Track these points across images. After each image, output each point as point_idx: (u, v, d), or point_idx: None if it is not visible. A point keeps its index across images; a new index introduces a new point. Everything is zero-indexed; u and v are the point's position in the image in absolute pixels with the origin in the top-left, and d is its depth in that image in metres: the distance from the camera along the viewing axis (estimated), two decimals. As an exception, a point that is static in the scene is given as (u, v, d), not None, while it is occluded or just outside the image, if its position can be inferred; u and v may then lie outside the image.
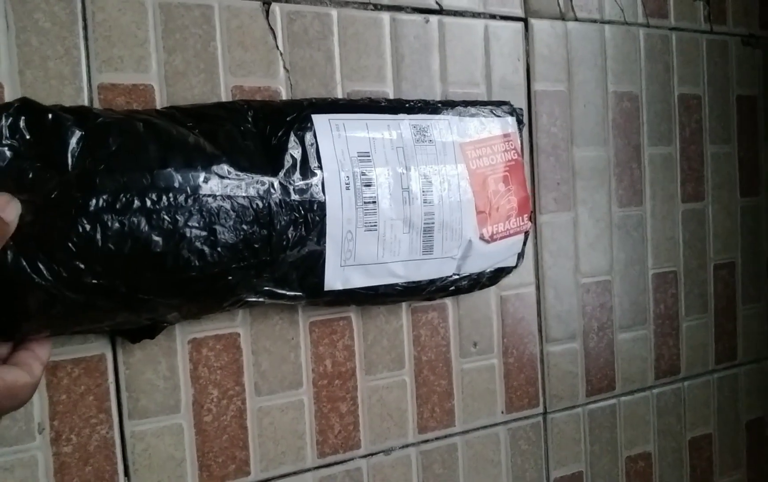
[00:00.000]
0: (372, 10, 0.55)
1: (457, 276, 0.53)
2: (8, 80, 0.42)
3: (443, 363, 0.58)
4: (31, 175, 0.35)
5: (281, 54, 0.51)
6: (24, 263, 0.34)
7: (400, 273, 0.49)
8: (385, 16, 0.55)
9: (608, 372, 0.69)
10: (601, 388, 0.68)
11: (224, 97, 0.48)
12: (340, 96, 0.53)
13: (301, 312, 0.51)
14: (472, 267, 0.54)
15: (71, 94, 0.43)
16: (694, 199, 0.74)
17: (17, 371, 0.35)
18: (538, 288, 0.64)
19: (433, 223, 0.50)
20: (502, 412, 0.62)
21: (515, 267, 0.58)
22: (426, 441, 0.57)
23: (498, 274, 0.57)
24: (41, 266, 0.34)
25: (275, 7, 0.50)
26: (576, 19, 0.66)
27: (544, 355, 0.64)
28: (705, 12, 0.75)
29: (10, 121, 0.35)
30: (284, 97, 0.51)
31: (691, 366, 0.75)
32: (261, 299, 0.45)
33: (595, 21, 0.67)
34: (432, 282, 0.52)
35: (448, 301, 0.58)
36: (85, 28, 0.44)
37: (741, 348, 0.79)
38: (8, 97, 0.42)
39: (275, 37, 0.50)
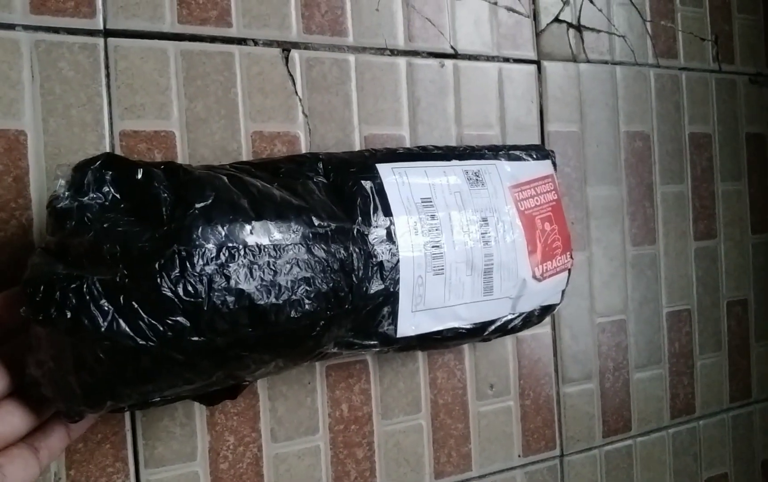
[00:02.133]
0: (389, 55, 0.55)
1: (512, 316, 0.53)
2: (32, 128, 0.42)
3: (460, 406, 0.57)
4: (120, 229, 0.34)
5: (300, 99, 0.51)
6: (125, 325, 0.32)
7: (464, 315, 0.50)
8: (402, 62, 0.56)
9: (624, 413, 0.68)
10: (618, 429, 0.67)
11: (244, 143, 0.49)
12: (357, 140, 0.53)
13: (318, 357, 0.51)
14: (525, 306, 0.54)
15: (93, 141, 0.44)
16: (706, 236, 0.74)
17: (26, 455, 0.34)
18: (554, 328, 0.63)
19: (492, 264, 0.50)
20: (519, 455, 0.61)
21: (559, 303, 0.58)
22: (443, 487, 0.57)
23: (545, 311, 0.57)
24: (143, 325, 0.32)
25: (294, 54, 0.51)
26: (588, 61, 0.66)
27: (561, 396, 0.64)
28: (713, 52, 0.76)
29: (95, 175, 0.34)
30: (303, 142, 0.51)
31: (706, 404, 0.74)
32: (339, 350, 0.45)
33: (606, 62, 0.68)
34: (492, 322, 0.52)
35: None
36: (108, 76, 0.45)
37: (755, 385, 0.78)
38: (31, 145, 0.42)
39: (294, 83, 0.51)
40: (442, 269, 0.47)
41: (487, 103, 0.60)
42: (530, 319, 0.56)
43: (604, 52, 0.68)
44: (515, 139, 0.61)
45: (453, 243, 0.48)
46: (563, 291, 0.58)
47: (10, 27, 0.42)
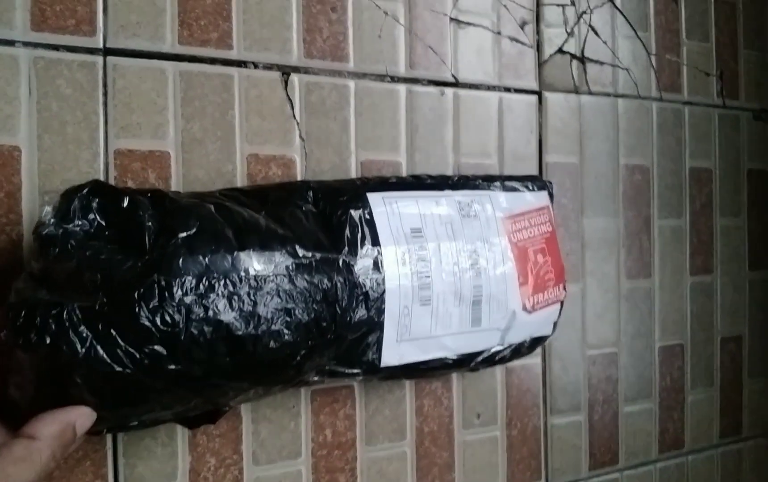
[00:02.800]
0: (389, 82, 0.55)
1: (500, 347, 0.53)
2: (26, 144, 0.42)
3: (445, 435, 0.57)
4: (104, 256, 0.34)
5: (298, 123, 0.51)
6: (102, 352, 0.33)
7: (451, 346, 0.50)
8: (402, 88, 0.56)
9: (612, 446, 0.68)
10: (605, 462, 0.67)
11: (239, 165, 0.49)
12: (353, 165, 0.53)
13: (304, 381, 0.51)
14: (514, 337, 0.54)
15: (87, 159, 0.44)
16: (702, 271, 0.74)
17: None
18: (544, 359, 0.63)
19: (481, 296, 0.50)
20: (503, 486, 0.61)
21: (551, 335, 0.58)
22: (425, 515, 0.57)
23: (536, 343, 0.57)
24: (120, 353, 0.33)
25: (294, 78, 0.51)
26: (590, 93, 0.66)
27: (548, 427, 0.64)
28: (718, 87, 0.76)
29: (82, 202, 0.35)
30: (298, 166, 0.51)
31: (695, 440, 0.74)
32: (321, 378, 0.45)
33: (608, 94, 0.67)
34: (479, 353, 0.52)
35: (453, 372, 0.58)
36: (105, 94, 0.45)
37: (746, 422, 0.78)
38: (26, 161, 0.42)
39: (293, 107, 0.51)
40: (429, 300, 0.47)
41: (486, 132, 0.60)
42: (519, 350, 0.56)
43: (606, 84, 0.67)
44: (513, 169, 0.61)
45: (442, 274, 0.48)
46: (555, 323, 0.58)
47: (10, 43, 0.42)
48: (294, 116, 0.51)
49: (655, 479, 0.71)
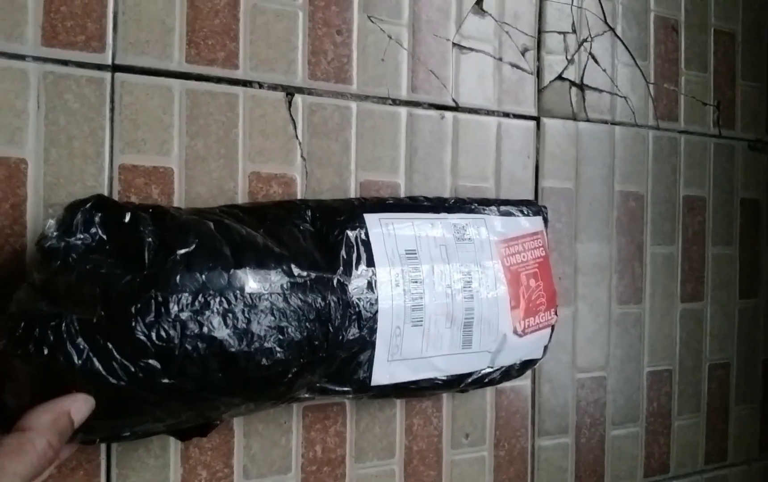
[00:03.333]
0: (390, 104, 0.56)
1: (490, 369, 0.54)
2: (33, 157, 0.43)
3: (434, 454, 0.58)
4: (104, 270, 0.35)
5: (300, 143, 0.52)
6: (98, 364, 0.33)
7: (441, 367, 0.51)
8: (403, 111, 0.57)
9: (597, 469, 0.69)
10: (590, 484, 0.68)
11: (241, 182, 0.49)
12: (353, 185, 0.54)
13: (297, 397, 0.52)
14: (504, 360, 0.55)
15: (93, 173, 0.45)
16: (693, 298, 0.75)
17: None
18: (533, 381, 0.64)
19: (473, 318, 0.51)
20: (489, 505, 0.62)
21: (541, 358, 0.59)
22: (411, 532, 0.58)
23: (526, 365, 0.58)
24: (115, 365, 0.34)
25: (298, 99, 0.52)
26: (587, 120, 0.67)
27: (535, 449, 0.65)
28: (715, 116, 0.77)
29: (85, 216, 0.36)
30: (299, 185, 0.52)
31: (680, 465, 0.75)
32: (312, 395, 0.46)
33: (606, 122, 0.69)
34: (469, 375, 0.53)
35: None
36: (113, 110, 0.46)
37: (732, 448, 0.79)
38: (32, 173, 0.43)
39: (295, 127, 0.52)
40: (421, 321, 0.48)
41: (484, 156, 0.61)
42: (510, 373, 0.56)
43: (604, 112, 0.68)
44: (509, 193, 0.62)
45: (434, 295, 0.49)
46: (546, 347, 0.59)
47: (21, 58, 0.43)
48: (296, 136, 0.52)
49: (639, 502, 0.72)
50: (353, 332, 0.44)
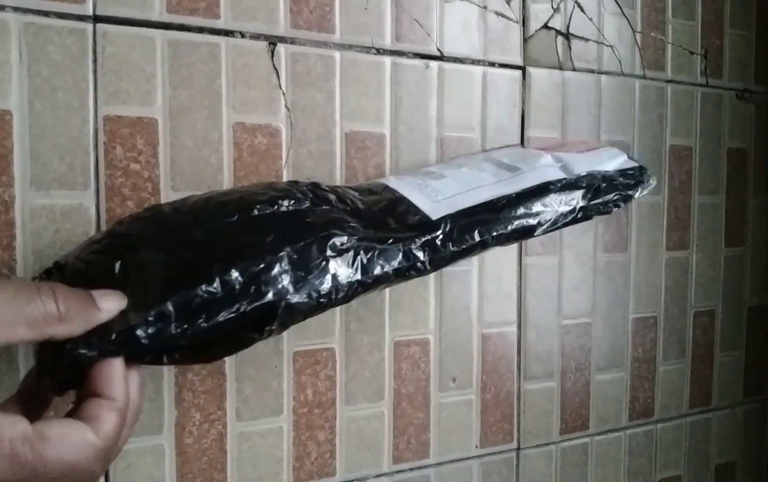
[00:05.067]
0: (375, 54, 0.56)
1: (573, 179, 0.48)
2: (18, 108, 0.44)
3: (422, 397, 0.60)
4: None
5: (283, 93, 0.52)
6: None
7: (500, 191, 0.46)
8: (387, 61, 0.57)
9: (583, 412, 0.71)
10: (575, 427, 0.70)
11: (225, 133, 0.50)
12: (338, 136, 0.55)
13: (286, 342, 0.53)
14: (580, 167, 0.49)
15: (78, 124, 0.45)
16: (678, 247, 0.76)
17: (74, 426, 0.28)
18: (519, 327, 0.66)
19: (508, 162, 0.50)
20: (477, 447, 0.64)
21: (639, 168, 0.53)
22: (400, 472, 0.59)
23: (626, 177, 0.51)
24: None
25: (280, 48, 0.52)
26: (573, 69, 0.67)
27: (521, 393, 0.66)
28: (702, 66, 0.77)
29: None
30: (284, 135, 0.52)
31: (664, 409, 0.77)
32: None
33: (592, 71, 0.69)
34: (549, 185, 0.47)
35: (431, 336, 0.60)
36: (95, 61, 0.46)
37: (716, 394, 0.81)
38: (17, 125, 0.44)
39: (279, 77, 0.52)
40: (443, 176, 0.47)
41: (470, 106, 0.61)
42: (606, 185, 0.49)
43: (590, 61, 0.69)
44: (495, 143, 0.63)
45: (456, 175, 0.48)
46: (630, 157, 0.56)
47: (1, 8, 0.43)
48: (280, 86, 0.52)
49: (624, 445, 0.74)
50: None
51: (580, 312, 0.70)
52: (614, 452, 0.73)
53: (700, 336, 0.79)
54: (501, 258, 0.64)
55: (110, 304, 0.30)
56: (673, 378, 0.77)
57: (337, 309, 0.55)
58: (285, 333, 0.53)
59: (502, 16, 0.63)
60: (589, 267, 0.70)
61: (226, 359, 0.51)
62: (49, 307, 0.28)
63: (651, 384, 0.75)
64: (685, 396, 0.78)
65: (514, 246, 0.65)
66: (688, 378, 0.78)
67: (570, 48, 0.67)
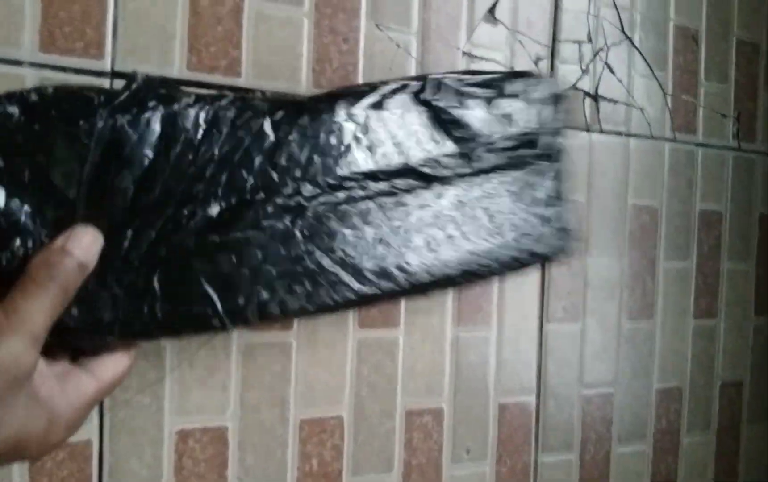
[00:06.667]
0: (396, 114, 0.55)
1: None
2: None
3: (433, 469, 0.58)
4: None
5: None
6: None
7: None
8: (409, 121, 0.55)
9: (602, 487, 0.68)
10: (594, 502, 0.67)
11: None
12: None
13: (292, 410, 0.51)
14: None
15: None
16: (706, 315, 0.73)
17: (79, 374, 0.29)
18: (538, 396, 0.63)
19: None
20: (489, 522, 0.61)
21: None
22: (408, 548, 0.57)
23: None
24: None
25: (300, 108, 0.51)
26: (601, 131, 0.65)
27: (538, 465, 0.63)
28: (734, 129, 0.74)
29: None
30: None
31: (688, 484, 0.73)
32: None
33: (620, 134, 0.67)
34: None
35: (445, 405, 0.58)
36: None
37: (742, 468, 0.77)
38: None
39: None
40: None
41: (493, 168, 0.59)
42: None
43: (619, 123, 0.67)
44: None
45: None
46: None
47: (17, 63, 0.42)
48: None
49: (644, 522, 0.70)
50: None
51: (602, 381, 0.67)
52: (634, 531, 0.70)
53: (726, 408, 0.75)
54: (521, 325, 0.62)
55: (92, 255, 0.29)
56: (697, 452, 0.73)
57: (348, 374, 0.53)
58: (292, 402, 0.51)
59: (529, 76, 0.61)
60: (612, 334, 0.67)
61: (230, 426, 0.49)
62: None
63: (674, 458, 0.72)
64: (709, 471, 0.75)
65: (535, 313, 0.63)
66: (714, 452, 0.75)
67: (598, 109, 0.65)
